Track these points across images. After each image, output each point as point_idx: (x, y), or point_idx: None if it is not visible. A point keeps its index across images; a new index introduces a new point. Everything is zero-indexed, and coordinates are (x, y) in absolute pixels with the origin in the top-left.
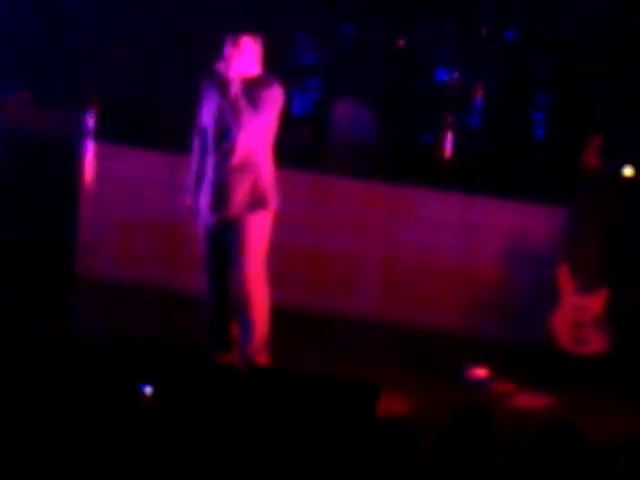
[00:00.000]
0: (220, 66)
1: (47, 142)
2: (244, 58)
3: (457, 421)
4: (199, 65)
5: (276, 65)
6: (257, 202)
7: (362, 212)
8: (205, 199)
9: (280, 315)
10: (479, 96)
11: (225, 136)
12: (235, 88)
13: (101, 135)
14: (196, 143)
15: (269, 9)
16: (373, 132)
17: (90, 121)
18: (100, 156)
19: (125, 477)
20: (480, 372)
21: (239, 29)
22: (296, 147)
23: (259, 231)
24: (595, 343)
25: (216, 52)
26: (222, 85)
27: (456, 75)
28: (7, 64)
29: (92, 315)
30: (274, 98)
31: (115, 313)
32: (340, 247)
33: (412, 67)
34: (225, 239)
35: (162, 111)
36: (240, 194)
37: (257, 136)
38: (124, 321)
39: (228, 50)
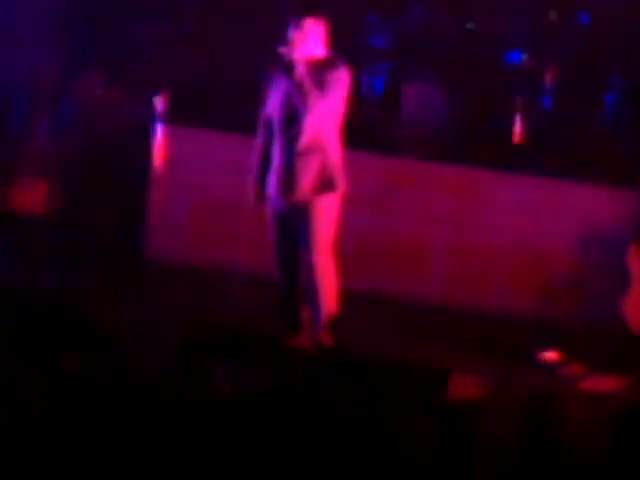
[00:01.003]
0: (285, 49)
1: (119, 124)
2: (309, 40)
3: (529, 405)
4: (265, 47)
5: (347, 47)
6: (325, 184)
7: (433, 195)
8: (274, 184)
9: (349, 299)
10: (550, 79)
11: (293, 120)
12: (301, 70)
13: (171, 117)
14: (261, 132)
15: None
16: (443, 115)
17: (161, 104)
18: (170, 138)
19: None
20: (551, 355)
21: (303, 11)
22: (366, 129)
23: (328, 213)
24: None
25: (282, 35)
26: (288, 68)
27: (527, 57)
28: (82, 46)
29: (163, 298)
30: (341, 80)
31: (185, 296)
32: (411, 231)
33: (483, 50)
34: (294, 223)
35: (231, 93)
36: (309, 177)
37: (325, 118)
38: (194, 304)
39: (292, 33)
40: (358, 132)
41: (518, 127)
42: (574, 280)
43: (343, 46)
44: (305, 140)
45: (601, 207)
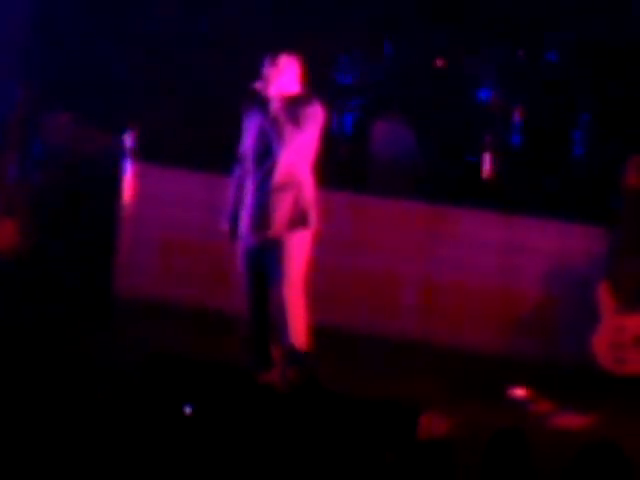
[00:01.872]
0: (260, 85)
1: (87, 162)
2: (283, 77)
3: (496, 442)
4: (239, 85)
5: (317, 85)
6: (298, 220)
7: (402, 232)
8: (246, 221)
9: (319, 335)
10: (519, 116)
11: (267, 155)
12: (275, 106)
13: (140, 155)
14: (236, 170)
15: (311, 30)
16: (413, 152)
17: (129, 141)
18: (139, 176)
19: None
20: (520, 392)
21: (278, 48)
22: (336, 167)
23: (300, 249)
24: (635, 363)
25: (257, 72)
26: (263, 104)
27: (496, 95)
28: (49, 85)
29: (131, 335)
30: (316, 116)
31: (154, 333)
32: (380, 267)
33: (452, 87)
34: (266, 259)
35: (201, 131)
36: (282, 213)
37: (299, 154)
38: (163, 341)
39: (267, 69)
40: (327, 169)
41: (487, 164)
42: (543, 316)
43: (313, 83)
44: (279, 175)
45: (570, 244)
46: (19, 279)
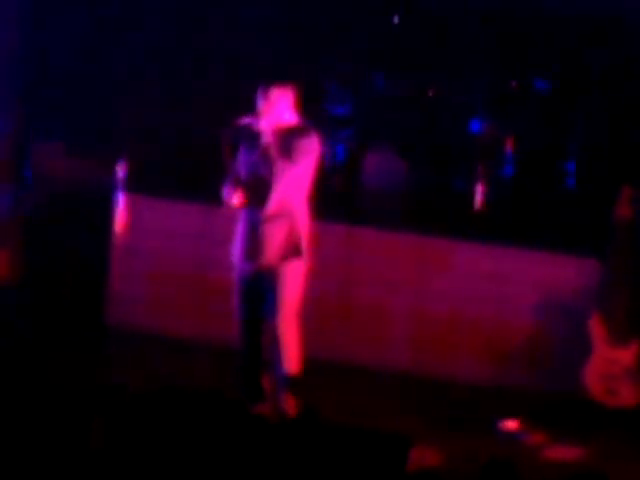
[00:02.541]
0: (253, 118)
1: (78, 192)
2: (276, 109)
3: (488, 473)
4: (230, 116)
5: (307, 115)
6: (292, 251)
7: (392, 263)
8: (239, 250)
9: (312, 366)
10: (510, 146)
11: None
12: (267, 139)
13: (132, 186)
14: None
15: (300, 60)
16: (404, 183)
17: (121, 172)
18: (131, 207)
19: None
20: (512, 424)
21: (270, 80)
22: (327, 198)
23: (294, 280)
24: (627, 395)
25: (248, 103)
26: (255, 137)
27: (488, 125)
28: (39, 114)
29: (122, 365)
30: (311, 148)
31: (146, 364)
32: (370, 298)
33: (443, 118)
34: (260, 288)
35: (193, 162)
36: (275, 243)
37: (292, 186)
38: (153, 372)
39: (260, 102)
40: (318, 200)
41: (478, 195)
42: (535, 348)
43: (303, 114)
44: (272, 207)
45: (561, 275)
46: (10, 309)
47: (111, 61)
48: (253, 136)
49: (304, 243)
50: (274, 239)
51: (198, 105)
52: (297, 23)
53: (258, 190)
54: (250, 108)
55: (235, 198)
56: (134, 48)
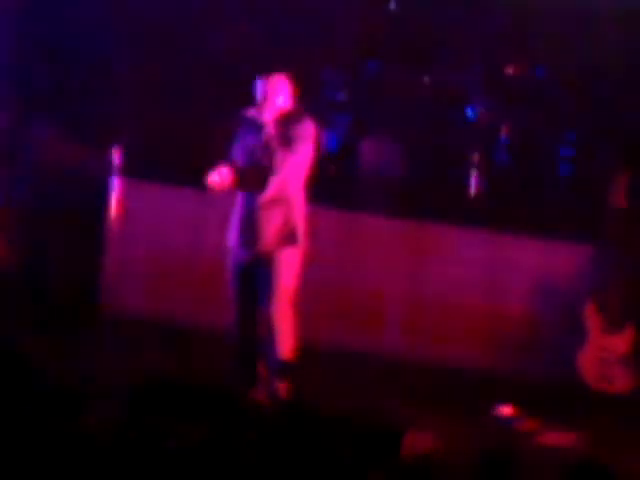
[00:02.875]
0: (253, 107)
1: (73, 179)
2: (276, 97)
3: (482, 461)
4: (226, 101)
5: (303, 102)
6: (289, 238)
7: (388, 249)
8: (235, 235)
9: (306, 352)
10: (506, 133)
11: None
12: (269, 129)
13: (127, 171)
14: None
15: (296, 46)
16: (400, 169)
17: (116, 157)
18: (126, 192)
19: None
20: (506, 410)
21: (268, 68)
22: (323, 184)
23: (290, 266)
24: (621, 382)
25: (244, 89)
26: (256, 126)
27: (483, 112)
28: (38, 100)
29: (117, 352)
30: (308, 135)
31: (140, 350)
32: (366, 284)
33: (439, 104)
34: (255, 274)
35: (189, 147)
36: (271, 229)
37: (290, 173)
38: (150, 357)
39: (260, 91)
40: (314, 186)
41: (474, 182)
42: (530, 334)
43: (301, 101)
44: (269, 194)
45: (556, 262)
46: (5, 295)
47: (106, 48)
48: (253, 125)
49: (300, 230)
50: (270, 226)
51: (194, 90)
52: (293, 10)
53: (256, 177)
54: (246, 95)
55: (224, 180)
56: (129, 35)
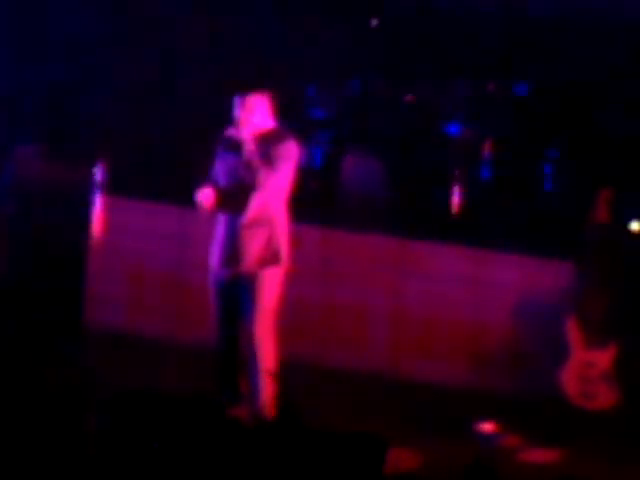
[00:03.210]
0: (233, 127)
1: (57, 194)
2: (255, 116)
3: (465, 477)
4: (208, 119)
5: (285, 119)
6: (271, 258)
7: (370, 266)
8: (217, 255)
9: (288, 369)
10: (489, 150)
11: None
12: (249, 147)
13: (110, 188)
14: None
15: (279, 64)
16: (382, 186)
17: (99, 174)
18: (110, 209)
19: None
20: (488, 427)
21: (247, 87)
22: (305, 201)
23: (272, 287)
24: (604, 398)
25: (226, 107)
26: (236, 145)
27: (465, 129)
28: (19, 117)
29: (101, 367)
30: (290, 154)
31: (123, 365)
32: (349, 301)
33: (421, 121)
34: (237, 293)
35: (171, 164)
36: (253, 250)
37: (272, 193)
38: (132, 373)
39: (238, 110)
40: (297, 203)
41: (456, 198)
42: (512, 351)
43: (282, 117)
44: (251, 214)
45: (538, 278)
46: None
47: (92, 65)
48: (232, 144)
49: (283, 250)
50: (253, 246)
51: (177, 108)
52: (276, 28)
53: (238, 196)
54: (229, 112)
55: (207, 201)
56: (115, 52)
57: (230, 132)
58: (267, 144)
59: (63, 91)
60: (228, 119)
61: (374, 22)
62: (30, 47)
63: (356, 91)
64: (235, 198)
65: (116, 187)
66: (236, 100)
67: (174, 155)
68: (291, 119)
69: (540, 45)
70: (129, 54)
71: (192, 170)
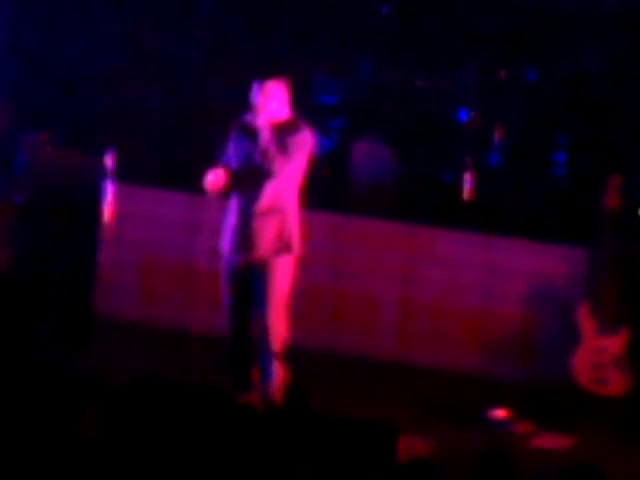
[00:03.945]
0: (249, 114)
1: (67, 182)
2: (272, 103)
3: (480, 464)
4: (218, 107)
5: (296, 106)
6: (284, 246)
7: (382, 253)
8: (229, 241)
9: (299, 355)
10: (499, 136)
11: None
12: (266, 135)
13: (121, 175)
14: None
15: (289, 51)
16: (393, 172)
17: (110, 162)
18: (120, 196)
19: None
20: (500, 413)
21: (264, 74)
22: (316, 187)
23: (284, 274)
24: (616, 384)
25: (239, 95)
26: (252, 133)
27: (476, 115)
28: (30, 105)
29: (111, 355)
30: (305, 143)
31: (134, 354)
32: (359, 288)
33: (432, 107)
34: (249, 280)
35: (182, 151)
36: (266, 237)
37: (286, 181)
38: (143, 362)
39: (256, 97)
40: (307, 190)
41: (467, 185)
42: (524, 337)
43: (292, 105)
44: (264, 201)
45: (550, 264)
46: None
47: (100, 52)
48: (248, 131)
49: (295, 238)
50: (266, 234)
51: (188, 95)
52: (285, 13)
53: (250, 178)
54: (240, 100)
55: (219, 181)
56: (123, 39)
57: (246, 118)
58: (283, 133)
59: (74, 79)
60: (241, 106)
61: (385, 9)
62: (36, 36)
63: (366, 77)
64: (247, 180)
65: (126, 174)
66: (254, 86)
67: (186, 141)
68: (301, 106)
69: (551, 31)
70: (140, 41)
71: (203, 157)
